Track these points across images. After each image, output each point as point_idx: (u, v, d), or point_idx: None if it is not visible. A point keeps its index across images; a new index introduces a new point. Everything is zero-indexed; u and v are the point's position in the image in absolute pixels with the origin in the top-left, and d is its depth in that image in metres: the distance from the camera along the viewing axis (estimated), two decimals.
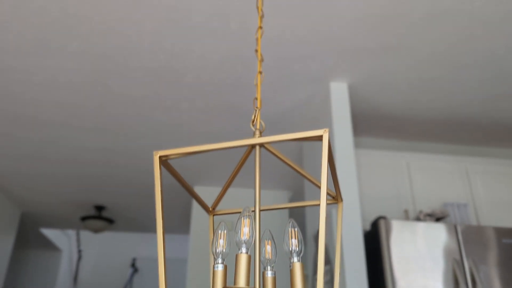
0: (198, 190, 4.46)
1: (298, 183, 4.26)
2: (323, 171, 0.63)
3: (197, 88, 2.91)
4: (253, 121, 0.85)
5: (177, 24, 2.36)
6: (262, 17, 0.95)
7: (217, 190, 4.31)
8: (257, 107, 0.86)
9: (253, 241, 0.69)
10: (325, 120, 2.89)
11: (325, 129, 0.65)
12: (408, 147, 3.59)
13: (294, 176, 4.14)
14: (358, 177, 2.91)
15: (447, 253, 2.39)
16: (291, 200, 4.70)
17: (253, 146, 0.78)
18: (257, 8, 0.95)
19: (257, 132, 0.81)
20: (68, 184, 4.57)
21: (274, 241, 0.76)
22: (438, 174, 3.09)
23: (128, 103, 3.08)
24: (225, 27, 2.38)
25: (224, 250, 0.70)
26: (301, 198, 4.38)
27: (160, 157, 0.68)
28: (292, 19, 2.32)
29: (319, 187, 0.87)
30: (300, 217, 3.68)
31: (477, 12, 2.26)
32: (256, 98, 0.87)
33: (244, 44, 2.50)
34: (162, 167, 0.71)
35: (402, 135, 3.53)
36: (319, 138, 0.67)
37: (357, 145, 3.43)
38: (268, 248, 0.75)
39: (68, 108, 3.13)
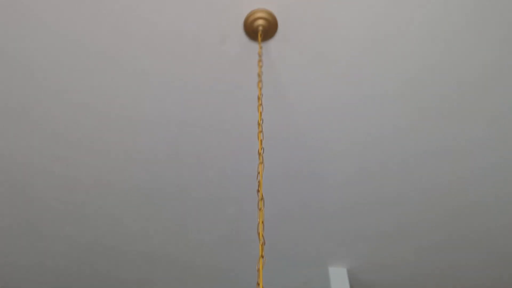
0: None
1: None
2: None
3: (190, 272, 2.78)
4: None
5: (173, 210, 2.35)
6: (263, 244, 0.92)
7: None
8: None
9: None
10: None
11: None
12: None
13: None
14: None
15: None
16: None
17: None
18: (258, 234, 0.92)
19: None
20: None
21: None
22: None
23: (116, 286, 2.90)
24: (222, 211, 2.38)
25: None
26: None
27: None
28: (290, 207, 2.33)
29: None
30: None
31: (472, 194, 2.29)
32: None
33: (240, 228, 2.46)
34: None
35: None
36: None
37: None
38: None
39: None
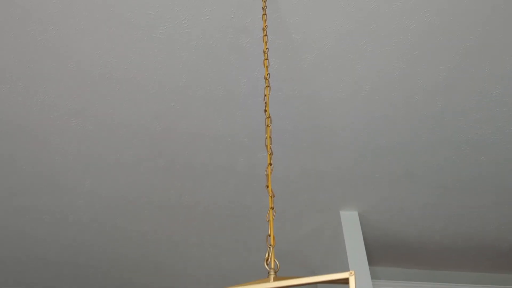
0: None
1: None
2: None
3: (206, 223, 2.89)
4: (267, 260, 0.81)
5: (186, 162, 2.44)
6: (271, 154, 0.99)
7: None
8: (270, 245, 0.83)
9: None
10: (338, 250, 2.80)
11: (350, 271, 0.62)
12: (428, 276, 3.40)
13: None
14: None
15: None
16: None
17: None
18: (266, 146, 0.99)
19: (272, 272, 0.78)
20: None
21: None
22: None
23: (135, 239, 3.03)
24: (233, 165, 2.45)
25: None
26: None
27: None
28: (298, 153, 2.40)
29: None
30: None
31: (479, 138, 2.33)
32: (269, 235, 0.85)
33: (252, 179, 2.54)
34: None
35: (420, 263, 3.37)
36: (345, 281, 0.63)
37: (373, 275, 3.26)
38: None
39: (75, 247, 3.08)
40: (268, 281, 0.75)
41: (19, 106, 2.10)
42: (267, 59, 1.20)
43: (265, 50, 1.21)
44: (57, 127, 2.21)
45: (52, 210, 2.74)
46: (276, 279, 0.75)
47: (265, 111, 1.08)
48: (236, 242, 3.06)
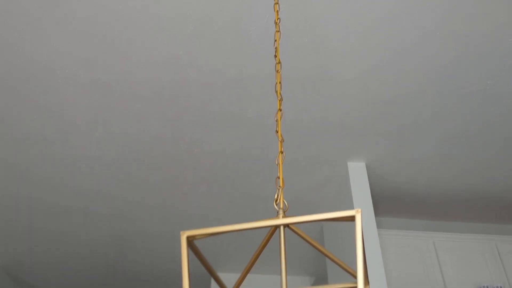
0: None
1: (320, 267, 4.09)
2: (358, 253, 0.60)
3: (215, 173, 2.94)
4: (276, 200, 0.84)
5: (196, 111, 2.45)
6: (281, 100, 0.99)
7: (235, 276, 4.15)
8: (279, 186, 0.86)
9: None
10: (345, 201, 2.85)
11: (357, 209, 0.63)
12: (434, 226, 3.47)
13: (316, 260, 3.98)
14: (383, 259, 2.79)
15: None
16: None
17: (277, 227, 0.76)
18: (276, 92, 0.99)
19: (281, 212, 0.80)
20: (82, 276, 4.46)
21: None
22: (468, 254, 2.94)
23: (146, 188, 3.10)
24: (243, 114, 2.46)
25: None
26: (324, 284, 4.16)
27: (187, 237, 0.66)
28: (308, 103, 2.39)
29: (347, 271, 0.83)
30: None
31: (491, 88, 2.30)
32: (278, 177, 0.87)
33: (261, 129, 2.56)
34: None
35: (426, 214, 3.43)
36: (351, 218, 0.64)
37: (379, 225, 3.34)
38: None
39: (87, 195, 3.16)
40: (277, 219, 0.77)
41: (27, 54, 2.09)
42: (277, 3, 1.18)
43: None
44: (66, 77, 2.22)
45: (64, 159, 2.79)
46: (285, 217, 0.77)
47: (275, 56, 1.07)
48: (245, 191, 3.12)
